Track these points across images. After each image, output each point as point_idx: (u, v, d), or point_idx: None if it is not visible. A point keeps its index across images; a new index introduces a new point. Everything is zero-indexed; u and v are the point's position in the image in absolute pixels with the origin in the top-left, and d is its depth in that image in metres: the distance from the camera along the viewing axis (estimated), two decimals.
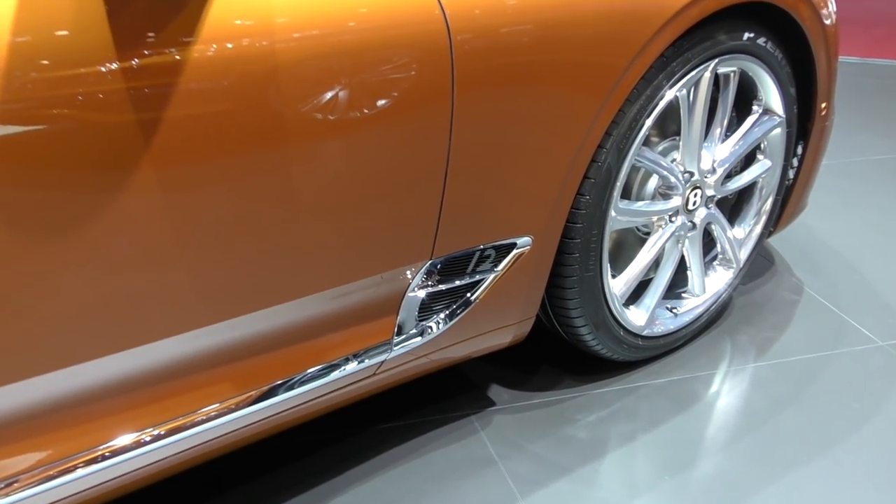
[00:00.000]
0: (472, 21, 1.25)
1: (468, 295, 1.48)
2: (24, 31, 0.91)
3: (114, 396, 1.14)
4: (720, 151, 1.86)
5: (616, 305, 1.75)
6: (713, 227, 1.94)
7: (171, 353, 1.17)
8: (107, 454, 1.15)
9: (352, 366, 1.37)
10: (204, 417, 1.23)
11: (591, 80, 1.44)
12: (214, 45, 1.02)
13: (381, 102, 1.19)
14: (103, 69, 0.95)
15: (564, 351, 1.93)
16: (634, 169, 1.73)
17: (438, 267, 1.42)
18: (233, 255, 1.16)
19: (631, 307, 1.84)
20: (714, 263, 2.04)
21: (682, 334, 1.96)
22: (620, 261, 1.82)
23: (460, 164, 1.32)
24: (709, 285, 2.00)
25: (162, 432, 1.19)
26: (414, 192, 1.31)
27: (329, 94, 1.13)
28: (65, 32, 0.93)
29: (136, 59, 0.97)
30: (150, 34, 0.98)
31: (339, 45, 1.13)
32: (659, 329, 1.89)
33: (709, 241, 2.01)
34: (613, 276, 1.75)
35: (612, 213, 1.63)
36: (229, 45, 1.04)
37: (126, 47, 0.96)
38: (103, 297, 1.07)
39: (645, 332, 1.85)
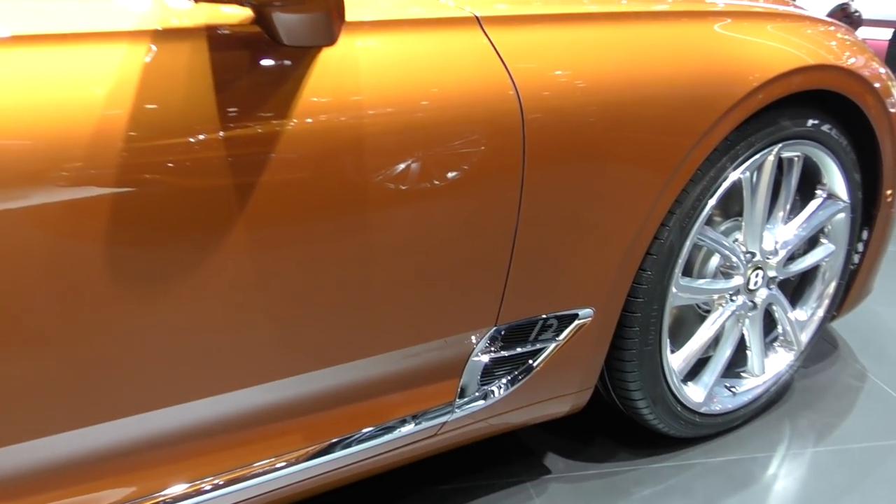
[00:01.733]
0: (543, 101, 1.32)
1: (530, 362, 1.52)
2: (143, 103, 1.01)
3: (179, 444, 1.20)
4: (783, 233, 1.88)
5: (674, 381, 1.77)
6: (774, 307, 1.95)
7: (239, 404, 1.23)
8: (168, 500, 1.20)
9: (413, 426, 1.42)
10: (264, 469, 1.28)
11: (656, 160, 1.50)
12: (307, 119, 1.11)
13: (454, 174, 1.26)
14: (208, 137, 1.05)
15: (621, 423, 1.94)
16: (696, 247, 1.77)
17: (502, 333, 1.47)
18: (308, 314, 1.23)
19: (689, 383, 1.85)
20: (775, 344, 2.05)
21: (740, 414, 1.96)
22: (680, 336, 1.85)
23: (527, 237, 1.38)
24: (769, 366, 2.00)
25: (221, 482, 1.24)
26: (482, 261, 1.37)
27: (406, 166, 1.21)
28: (177, 105, 1.03)
29: (237, 130, 1.07)
30: (250, 108, 1.08)
31: (417, 120, 1.21)
32: (717, 407, 1.89)
33: (770, 322, 2.02)
34: (673, 352, 1.77)
35: (673, 289, 1.66)
36: (320, 119, 1.12)
37: (228, 119, 1.06)
38: (184, 348, 1.15)
39: (702, 410, 1.86)
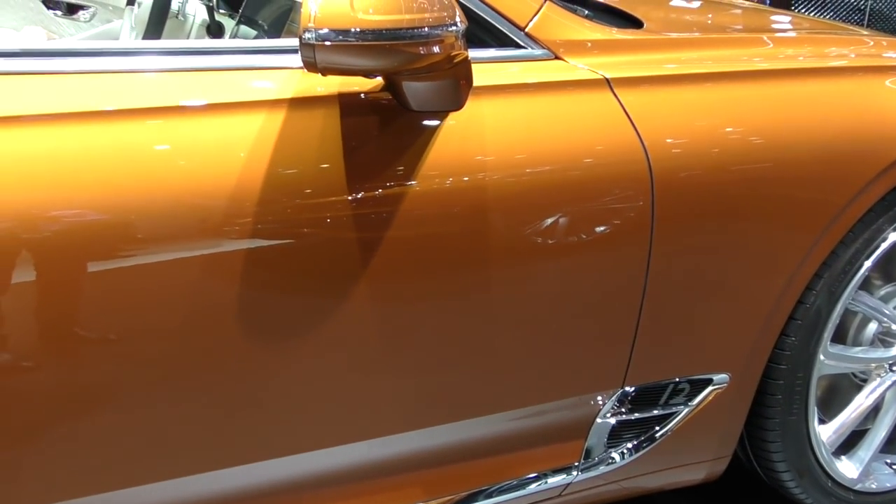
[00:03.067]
0: (672, 161, 1.30)
1: (659, 427, 1.48)
2: (278, 167, 1.08)
3: (307, 490, 1.26)
4: None
5: (823, 453, 1.66)
6: None
7: (367, 454, 1.27)
8: None
9: (535, 486, 1.41)
10: None
11: (800, 220, 1.43)
12: (435, 180, 1.16)
13: (580, 234, 1.26)
14: (341, 198, 1.11)
15: (764, 493, 1.83)
16: (851, 312, 1.66)
17: (630, 396, 1.44)
18: (436, 367, 1.26)
19: (843, 457, 1.73)
20: None
21: None
22: (833, 406, 1.73)
23: (656, 297, 1.35)
24: None
25: None
26: (608, 321, 1.35)
27: (532, 226, 1.22)
28: (311, 167, 1.10)
29: (369, 190, 1.12)
30: (380, 169, 1.14)
31: (543, 181, 1.22)
32: (874, 485, 1.75)
33: None
34: (823, 422, 1.66)
35: (821, 356, 1.56)
36: (448, 181, 1.16)
37: (359, 180, 1.12)
38: (313, 398, 1.20)
39: (857, 487, 1.73)
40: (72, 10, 2.64)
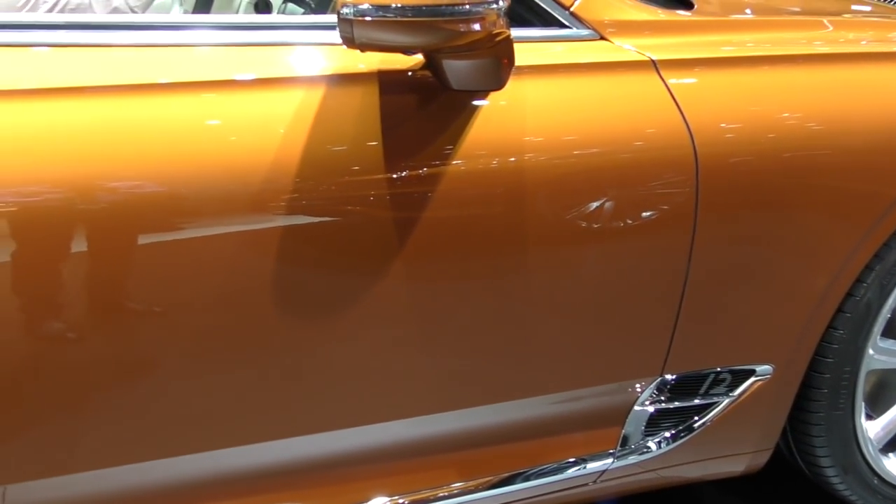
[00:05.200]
0: (718, 146, 1.26)
1: (698, 417, 1.45)
2: (317, 143, 1.08)
3: (342, 467, 1.27)
4: None
5: (870, 450, 1.62)
6: None
7: (405, 433, 1.28)
8: None
9: (572, 471, 1.40)
10: (422, 499, 1.31)
11: (851, 211, 1.39)
12: (475, 160, 1.14)
13: (621, 217, 1.24)
14: (380, 176, 1.10)
15: (807, 489, 1.79)
16: None
17: (670, 384, 1.41)
18: (476, 349, 1.26)
19: (890, 454, 1.68)
20: None
21: None
22: (881, 402, 1.68)
23: (698, 285, 1.32)
24: None
25: None
26: (649, 308, 1.33)
27: (573, 209, 1.21)
28: (350, 144, 1.10)
29: (408, 169, 1.11)
30: (419, 148, 1.13)
31: (584, 164, 1.20)
32: None
33: None
34: (870, 418, 1.62)
35: (870, 351, 1.52)
36: (489, 161, 1.15)
37: (398, 158, 1.11)
38: (356, 372, 1.21)
39: None
40: None
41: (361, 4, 0.96)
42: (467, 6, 1.00)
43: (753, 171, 1.30)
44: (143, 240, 1.03)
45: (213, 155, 1.05)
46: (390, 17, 0.97)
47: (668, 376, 1.40)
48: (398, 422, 1.27)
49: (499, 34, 1.05)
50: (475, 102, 1.15)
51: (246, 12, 2.16)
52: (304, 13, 1.96)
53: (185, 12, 2.00)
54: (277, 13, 2.07)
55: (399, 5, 0.96)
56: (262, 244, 1.08)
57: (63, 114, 1.00)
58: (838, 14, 1.70)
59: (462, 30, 1.01)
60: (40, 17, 1.07)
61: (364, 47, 1.00)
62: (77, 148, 1.00)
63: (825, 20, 1.60)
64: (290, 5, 2.00)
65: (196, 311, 1.09)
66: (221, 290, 1.09)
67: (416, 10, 0.97)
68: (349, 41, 0.98)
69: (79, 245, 1.01)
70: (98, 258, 1.03)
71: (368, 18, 0.96)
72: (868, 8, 1.83)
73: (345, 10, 0.96)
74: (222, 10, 2.11)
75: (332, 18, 1.15)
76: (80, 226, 1.00)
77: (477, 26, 1.02)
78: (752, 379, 1.45)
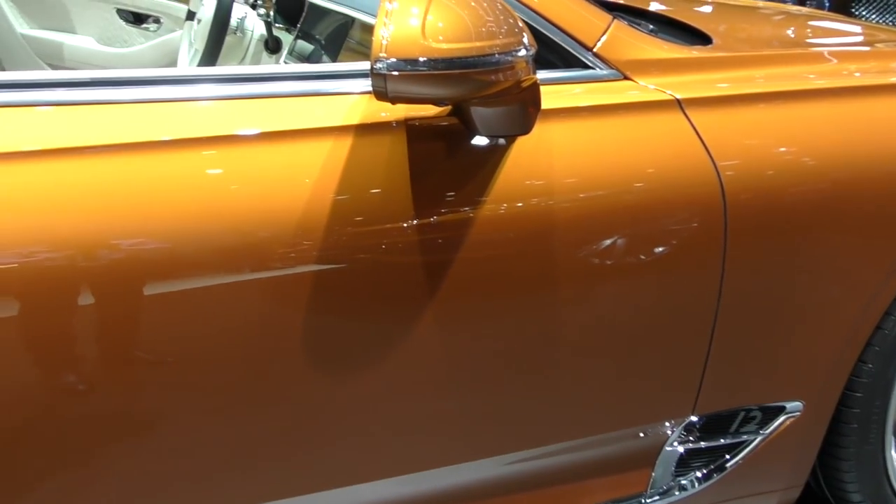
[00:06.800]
0: (745, 182, 1.25)
1: (729, 456, 1.43)
2: (344, 192, 1.07)
3: None
4: None
5: None
6: None
7: (434, 484, 1.26)
8: None
9: None
10: None
11: (879, 243, 1.38)
12: (504, 204, 1.14)
13: (650, 256, 1.23)
14: (410, 223, 1.09)
15: None
16: None
17: (700, 424, 1.39)
18: (502, 394, 1.24)
19: None
20: None
21: None
22: None
23: (728, 323, 1.31)
24: None
25: None
26: (679, 346, 1.31)
27: (601, 249, 1.20)
28: (379, 193, 1.09)
29: (438, 215, 1.11)
30: (448, 194, 1.12)
31: (611, 204, 1.19)
32: None
33: None
34: None
35: None
36: (517, 204, 1.15)
37: (427, 205, 1.10)
38: (380, 423, 1.19)
39: None
40: (139, 19, 2.71)
41: (393, 59, 0.95)
42: (497, 56, 0.99)
43: (780, 208, 1.29)
44: (149, 290, 1.02)
45: (237, 208, 1.04)
46: (423, 70, 0.96)
47: (699, 416, 1.38)
48: (426, 472, 1.25)
49: (526, 80, 1.05)
50: (503, 147, 1.15)
51: (256, 52, 2.16)
52: (313, 52, 1.95)
53: (195, 54, 1.99)
54: (288, 52, 2.06)
55: (431, 59, 0.96)
56: (291, 294, 1.07)
57: (66, 174, 0.99)
58: (854, 45, 1.70)
59: (493, 80, 1.00)
60: (43, 75, 1.05)
61: (396, 100, 1.00)
62: (82, 207, 0.99)
63: (841, 52, 1.60)
64: (301, 43, 2.00)
65: (217, 365, 1.08)
66: (244, 343, 1.08)
67: (448, 62, 0.97)
68: (382, 95, 0.98)
69: (85, 300, 1.00)
70: (109, 316, 1.02)
71: (400, 73, 0.96)
72: (884, 36, 1.83)
73: (378, 65, 0.95)
74: (233, 51, 2.10)
75: (348, 67, 1.19)
76: (86, 284, 0.99)
77: (506, 75, 1.01)
78: (783, 416, 1.43)
